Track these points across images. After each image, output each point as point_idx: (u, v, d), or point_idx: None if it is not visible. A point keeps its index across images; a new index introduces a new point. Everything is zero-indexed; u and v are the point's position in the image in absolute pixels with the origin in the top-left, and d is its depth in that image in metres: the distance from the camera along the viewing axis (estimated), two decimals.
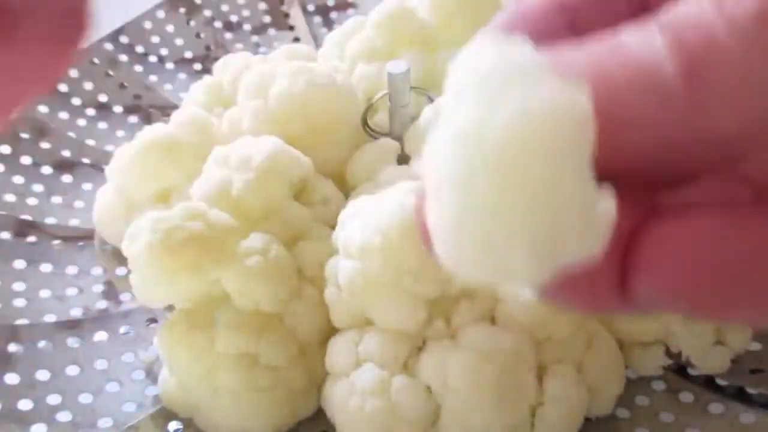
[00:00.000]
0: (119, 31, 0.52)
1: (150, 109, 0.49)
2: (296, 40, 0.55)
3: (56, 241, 0.41)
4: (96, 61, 0.49)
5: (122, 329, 0.37)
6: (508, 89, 0.12)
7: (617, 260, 0.13)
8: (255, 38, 0.55)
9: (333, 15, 0.57)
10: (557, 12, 0.16)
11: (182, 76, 0.52)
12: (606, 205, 0.12)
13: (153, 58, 0.52)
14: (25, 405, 0.33)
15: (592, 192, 0.12)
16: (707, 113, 0.12)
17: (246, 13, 0.56)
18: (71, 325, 0.37)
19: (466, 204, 0.12)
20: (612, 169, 0.13)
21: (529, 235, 0.12)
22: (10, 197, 0.42)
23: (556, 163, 0.12)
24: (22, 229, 0.40)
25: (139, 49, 0.52)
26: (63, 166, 0.44)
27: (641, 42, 0.13)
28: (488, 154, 0.12)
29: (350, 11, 0.56)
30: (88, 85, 0.49)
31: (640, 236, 0.13)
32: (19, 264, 0.39)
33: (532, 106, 0.12)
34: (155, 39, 0.53)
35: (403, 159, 0.38)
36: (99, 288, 0.39)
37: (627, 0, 0.16)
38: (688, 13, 0.12)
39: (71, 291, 0.39)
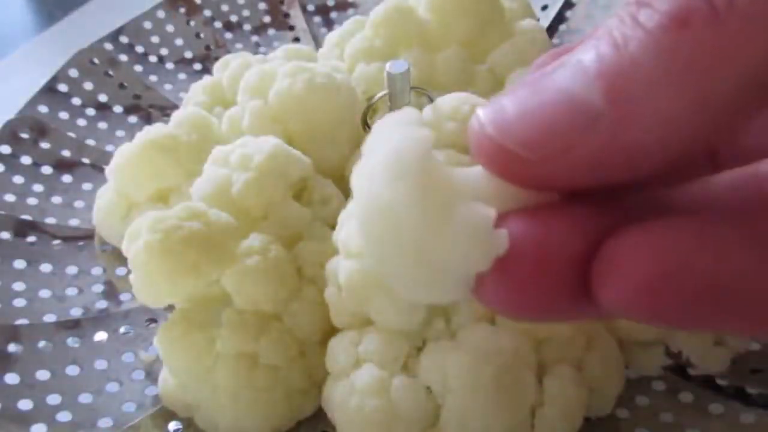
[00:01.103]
0: (119, 31, 0.52)
1: (150, 109, 0.49)
2: (296, 40, 0.55)
3: (56, 241, 0.41)
4: (96, 61, 0.50)
5: (122, 329, 0.37)
6: (381, 139, 0.15)
7: (581, 266, 0.13)
8: (255, 38, 0.55)
9: (333, 15, 0.57)
10: None
11: (182, 76, 0.52)
12: (481, 219, 0.14)
13: (153, 58, 0.52)
14: (25, 405, 0.32)
15: (449, 210, 0.14)
16: (633, 129, 0.12)
17: (246, 13, 0.56)
18: (71, 325, 0.37)
19: (364, 231, 0.15)
20: (562, 189, 0.14)
21: (400, 250, 0.14)
22: (10, 197, 0.42)
23: (400, 189, 0.14)
24: (22, 229, 0.40)
25: (139, 49, 0.52)
26: (63, 166, 0.44)
27: (569, 71, 0.13)
28: (365, 189, 0.14)
29: (350, 11, 0.56)
30: (88, 85, 0.49)
31: (606, 244, 0.13)
32: (19, 264, 0.39)
33: (387, 145, 0.14)
34: (155, 39, 0.53)
35: None
36: (99, 288, 0.39)
37: None
38: (609, 30, 0.13)
39: (71, 291, 0.39)
